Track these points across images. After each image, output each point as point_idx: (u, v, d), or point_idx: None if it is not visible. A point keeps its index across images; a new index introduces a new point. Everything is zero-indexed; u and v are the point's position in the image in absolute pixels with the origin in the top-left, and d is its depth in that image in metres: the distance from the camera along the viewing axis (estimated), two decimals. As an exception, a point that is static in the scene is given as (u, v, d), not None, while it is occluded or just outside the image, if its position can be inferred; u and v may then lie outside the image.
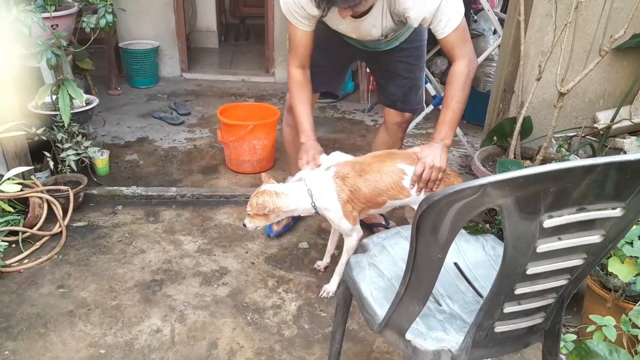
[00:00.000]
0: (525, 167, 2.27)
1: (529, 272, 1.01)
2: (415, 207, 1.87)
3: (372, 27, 1.87)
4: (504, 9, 3.78)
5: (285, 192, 1.84)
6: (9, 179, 1.12)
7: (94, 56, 3.84)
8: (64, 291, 2.04)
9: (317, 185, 1.85)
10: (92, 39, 2.49)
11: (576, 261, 1.04)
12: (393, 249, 1.47)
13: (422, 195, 1.86)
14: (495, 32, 3.77)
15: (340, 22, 1.88)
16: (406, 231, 1.55)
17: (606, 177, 0.90)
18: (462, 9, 1.76)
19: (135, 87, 4.26)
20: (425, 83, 3.11)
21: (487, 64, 3.54)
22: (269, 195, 1.82)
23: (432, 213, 0.94)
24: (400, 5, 1.74)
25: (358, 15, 1.81)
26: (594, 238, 1.00)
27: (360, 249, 1.53)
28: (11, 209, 1.24)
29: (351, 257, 1.45)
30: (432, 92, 3.09)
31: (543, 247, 0.97)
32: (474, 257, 1.48)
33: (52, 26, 2.50)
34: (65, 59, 2.47)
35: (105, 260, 2.22)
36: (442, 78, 4.06)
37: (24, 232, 2.29)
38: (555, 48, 2.21)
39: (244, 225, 1.91)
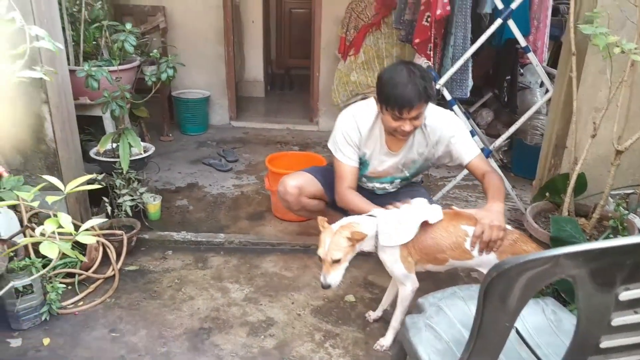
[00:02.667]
0: (580, 224, 2.21)
1: (602, 345, 0.97)
2: (483, 270, 1.86)
3: (399, 160, 2.22)
4: (550, 62, 3.78)
5: (359, 221, 1.84)
6: (86, 230, 1.18)
7: (148, 104, 4.04)
8: (115, 335, 2.08)
9: (385, 221, 1.85)
10: (153, 91, 2.63)
11: (653, 336, 1.00)
12: (450, 310, 1.44)
13: (485, 257, 1.83)
14: (542, 85, 3.76)
15: (374, 156, 2.22)
16: (462, 291, 1.53)
17: (686, 250, 0.87)
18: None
19: (186, 134, 4.43)
20: (473, 136, 3.11)
21: (534, 116, 3.51)
22: (352, 226, 1.80)
23: (502, 281, 0.93)
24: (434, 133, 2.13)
25: (395, 149, 2.19)
26: (673, 312, 0.96)
27: (416, 309, 1.51)
28: (78, 255, 1.29)
29: (407, 318, 1.43)
30: (480, 145, 3.08)
31: (618, 320, 0.93)
32: (534, 321, 1.44)
33: (116, 79, 2.67)
34: (127, 110, 2.62)
35: (155, 306, 2.26)
36: (488, 130, 4.05)
37: (79, 274, 2.37)
38: (611, 105, 2.18)
39: (328, 285, 1.76)
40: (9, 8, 1.56)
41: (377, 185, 2.37)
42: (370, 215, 1.89)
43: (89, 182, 1.36)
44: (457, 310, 1.44)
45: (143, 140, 3.85)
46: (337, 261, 1.77)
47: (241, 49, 5.30)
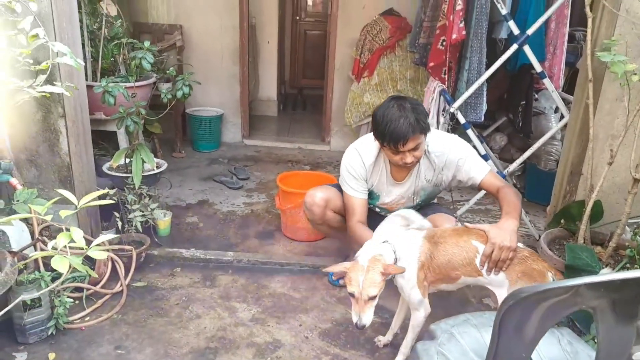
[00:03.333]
0: (596, 253, 2.16)
1: (623, 380, 0.94)
2: (494, 289, 1.83)
3: (407, 189, 2.25)
4: (565, 88, 3.76)
5: (381, 252, 1.79)
6: (97, 245, 1.17)
7: (161, 120, 4.09)
8: (121, 352, 2.06)
9: (402, 244, 1.83)
10: (168, 108, 2.66)
11: (676, 372, 0.96)
12: (463, 338, 1.40)
13: (499, 277, 1.80)
14: (556, 110, 3.74)
15: (380, 187, 2.26)
16: (475, 319, 1.49)
17: None
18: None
19: (198, 150, 4.46)
20: (486, 160, 3.09)
21: (549, 142, 3.48)
22: (381, 259, 1.74)
23: (519, 310, 0.90)
24: (439, 159, 2.14)
25: (399, 179, 2.22)
26: (697, 348, 0.92)
27: (427, 335, 1.47)
28: (88, 270, 1.28)
29: (418, 344, 1.40)
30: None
31: (640, 355, 0.90)
32: (549, 352, 1.39)
33: (132, 95, 2.70)
34: (142, 125, 2.64)
35: (162, 323, 2.24)
36: (501, 154, 4.03)
37: (87, 289, 2.36)
38: (628, 132, 2.16)
39: (363, 325, 1.68)
40: (34, 24, 1.59)
41: (382, 214, 2.37)
42: (384, 242, 1.85)
43: (100, 197, 1.37)
44: (469, 338, 1.40)
45: (156, 156, 3.89)
46: (372, 298, 1.70)
47: (256, 69, 5.37)
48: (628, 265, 2.10)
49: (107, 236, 1.28)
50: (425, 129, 2.00)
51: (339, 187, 2.44)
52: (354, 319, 1.71)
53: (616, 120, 2.34)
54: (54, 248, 1.10)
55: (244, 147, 4.70)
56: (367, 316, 1.70)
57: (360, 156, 2.21)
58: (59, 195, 1.32)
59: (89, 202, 1.29)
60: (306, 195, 2.47)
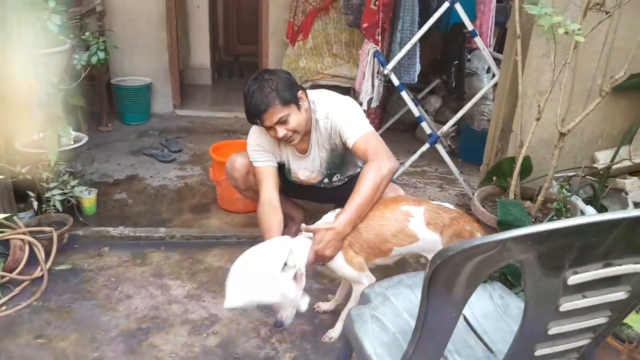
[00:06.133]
0: (526, 207, 2.21)
1: (550, 332, 0.93)
2: (428, 255, 1.81)
3: (312, 161, 2.15)
4: (496, 48, 3.81)
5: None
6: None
7: (85, 92, 3.77)
8: (42, 342, 1.91)
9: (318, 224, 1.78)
10: (82, 76, 2.43)
11: (600, 319, 0.96)
12: (397, 300, 1.38)
13: (429, 238, 1.78)
14: (488, 70, 3.79)
15: (291, 161, 2.18)
16: (409, 279, 1.47)
17: (633, 230, 0.83)
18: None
19: (126, 123, 4.19)
20: (420, 122, 3.09)
21: (481, 102, 3.53)
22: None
23: (447, 269, 0.86)
24: (330, 123, 2.02)
25: (302, 152, 2.13)
26: (620, 295, 0.92)
27: (362, 299, 1.44)
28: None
29: (352, 309, 1.36)
30: (428, 131, 3.06)
31: (567, 305, 0.89)
32: (481, 307, 1.40)
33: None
34: (55, 96, 2.40)
35: (88, 307, 2.10)
36: (436, 116, 4.06)
37: (2, 277, 2.16)
38: (555, 88, 2.19)
39: (281, 325, 1.67)
40: None
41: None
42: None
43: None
44: (403, 299, 1.38)
45: (79, 130, 3.61)
46: None
47: (186, 35, 5.08)
48: (555, 217, 2.17)
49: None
50: (285, 100, 1.88)
51: None
52: None
53: (543, 76, 2.38)
54: None
55: (176, 118, 4.47)
56: (283, 314, 1.67)
57: (261, 129, 2.06)
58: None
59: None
60: (227, 160, 2.36)
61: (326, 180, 2.27)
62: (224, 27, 6.34)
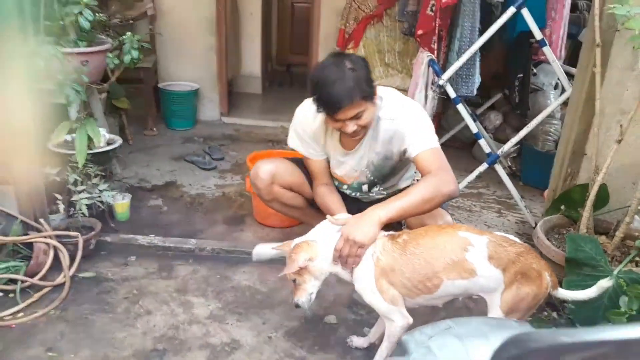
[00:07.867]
0: (601, 244, 1.89)
1: None
2: (485, 295, 1.54)
3: (359, 160, 1.95)
4: (567, 63, 3.46)
5: (315, 239, 1.62)
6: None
7: (133, 95, 3.76)
8: (52, 355, 1.78)
9: (326, 242, 1.62)
10: (115, 76, 2.34)
11: None
12: (441, 352, 1.13)
13: (492, 274, 1.51)
14: (556, 87, 3.45)
15: (332, 154, 2.00)
16: (459, 327, 1.21)
17: None
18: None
19: (171, 128, 4.14)
20: (478, 139, 2.81)
21: (547, 121, 3.20)
22: (300, 247, 1.62)
23: None
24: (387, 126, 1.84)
25: (349, 147, 1.94)
26: None
27: (399, 348, 1.19)
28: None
29: (386, 361, 1.12)
30: (487, 149, 2.77)
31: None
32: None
33: (82, 62, 2.39)
34: (85, 96, 2.32)
35: (105, 321, 1.97)
36: (496, 134, 3.75)
37: (23, 281, 2.08)
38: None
39: (294, 304, 1.64)
40: None
41: (348, 193, 2.11)
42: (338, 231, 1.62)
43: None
44: (450, 354, 1.13)
45: (123, 133, 3.58)
46: (293, 281, 1.64)
47: (237, 43, 5.02)
48: (638, 258, 1.84)
49: None
50: (368, 95, 1.69)
51: (300, 161, 2.15)
52: None
53: (626, 92, 2.06)
54: None
55: (222, 125, 4.38)
56: (298, 297, 1.64)
57: (312, 110, 1.80)
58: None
59: None
60: (252, 167, 2.19)
61: (365, 187, 2.06)
62: (278, 37, 6.28)
